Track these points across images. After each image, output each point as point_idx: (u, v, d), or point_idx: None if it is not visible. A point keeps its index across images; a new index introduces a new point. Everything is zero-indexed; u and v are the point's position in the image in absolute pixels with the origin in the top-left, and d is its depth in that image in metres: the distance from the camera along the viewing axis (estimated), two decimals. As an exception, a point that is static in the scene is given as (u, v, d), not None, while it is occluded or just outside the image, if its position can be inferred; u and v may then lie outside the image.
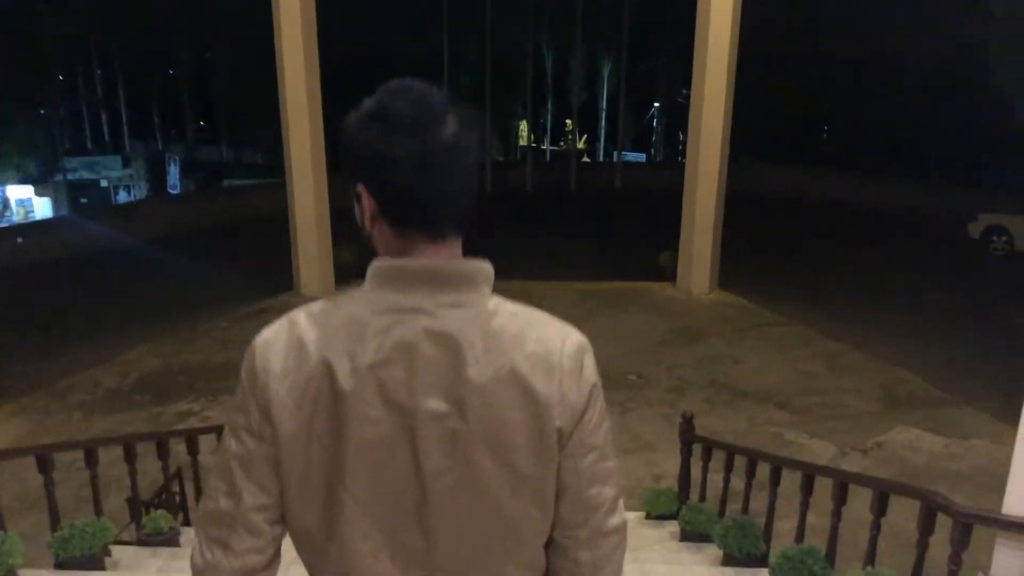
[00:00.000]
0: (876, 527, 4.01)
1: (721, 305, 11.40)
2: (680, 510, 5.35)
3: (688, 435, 5.75)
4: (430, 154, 1.07)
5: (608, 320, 10.68)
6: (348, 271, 11.84)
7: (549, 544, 1.22)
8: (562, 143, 47.05)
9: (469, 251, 1.20)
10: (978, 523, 3.36)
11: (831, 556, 4.10)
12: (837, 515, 4.07)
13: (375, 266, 1.12)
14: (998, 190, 18.62)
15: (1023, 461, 3.71)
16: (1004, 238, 15.88)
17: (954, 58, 22.63)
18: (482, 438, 1.08)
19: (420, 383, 1.07)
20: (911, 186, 24.29)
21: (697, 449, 5.69)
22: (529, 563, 1.21)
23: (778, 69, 25.68)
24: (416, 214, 1.11)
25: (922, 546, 3.69)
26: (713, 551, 4.85)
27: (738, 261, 12.70)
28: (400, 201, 1.10)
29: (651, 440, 7.42)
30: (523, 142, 44.81)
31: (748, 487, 4.99)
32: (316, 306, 1.13)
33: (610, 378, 8.74)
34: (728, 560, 4.69)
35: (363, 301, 1.10)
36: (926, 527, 3.62)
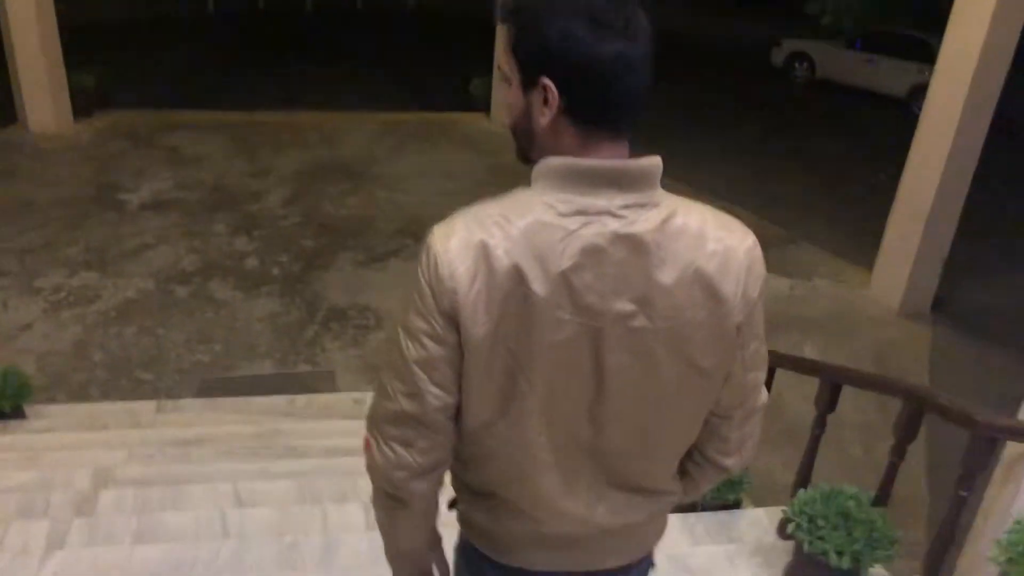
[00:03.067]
0: (821, 425, 3.13)
1: (542, 138, 10.22)
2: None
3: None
4: (633, 54, 1.05)
5: (417, 157, 9.20)
6: (87, 101, 9.29)
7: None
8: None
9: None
10: (1009, 437, 2.45)
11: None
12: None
13: (554, 164, 1.08)
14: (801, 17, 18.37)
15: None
16: (806, 64, 15.82)
17: None
18: (666, 336, 1.10)
19: (609, 286, 1.07)
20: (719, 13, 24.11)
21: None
22: (684, 447, 1.29)
23: None
24: (610, 113, 1.08)
25: (898, 455, 2.82)
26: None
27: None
28: (596, 99, 1.07)
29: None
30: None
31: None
32: (492, 208, 1.09)
33: (426, 225, 7.36)
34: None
35: (544, 203, 1.06)
36: (907, 432, 2.74)
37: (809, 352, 5.76)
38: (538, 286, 1.04)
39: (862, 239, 7.97)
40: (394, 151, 9.28)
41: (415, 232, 7.27)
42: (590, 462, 1.20)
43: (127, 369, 5.13)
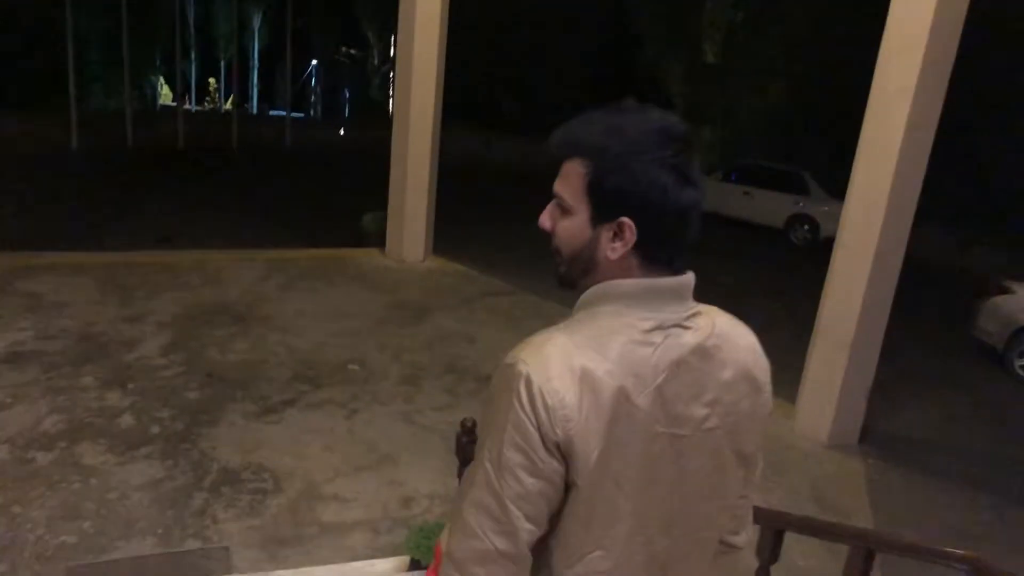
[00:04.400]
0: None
1: (439, 274, 9.97)
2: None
3: (471, 451, 4.19)
4: (699, 205, 1.18)
5: (309, 296, 8.71)
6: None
7: None
8: (208, 102, 42.70)
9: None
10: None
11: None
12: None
13: (628, 286, 1.18)
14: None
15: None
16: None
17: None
18: (726, 432, 1.21)
19: (691, 393, 1.16)
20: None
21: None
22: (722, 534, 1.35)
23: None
24: (676, 251, 1.20)
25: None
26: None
27: (439, 225, 11.28)
28: (669, 240, 1.19)
29: (390, 451, 5.77)
30: (164, 100, 39.84)
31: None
32: (576, 333, 1.15)
33: (324, 372, 6.89)
34: None
35: (626, 323, 1.15)
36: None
37: (741, 490, 5.53)
38: (641, 401, 1.10)
39: (777, 370, 8.02)
40: (284, 290, 8.76)
41: (311, 378, 6.72)
42: (659, 571, 1.22)
43: (-29, 561, 4.26)
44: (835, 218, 15.07)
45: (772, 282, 12.16)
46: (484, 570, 1.09)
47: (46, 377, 6.26)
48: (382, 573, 4.26)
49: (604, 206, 1.17)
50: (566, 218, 1.22)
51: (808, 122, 21.19)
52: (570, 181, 1.20)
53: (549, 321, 1.44)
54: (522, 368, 1.11)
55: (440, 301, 8.92)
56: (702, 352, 1.17)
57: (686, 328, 1.17)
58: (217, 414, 6.01)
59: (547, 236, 1.30)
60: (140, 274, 8.78)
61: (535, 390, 1.08)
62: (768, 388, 1.29)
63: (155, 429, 5.72)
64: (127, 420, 5.80)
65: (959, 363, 9.32)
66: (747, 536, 1.40)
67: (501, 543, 1.09)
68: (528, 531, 1.10)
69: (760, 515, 2.98)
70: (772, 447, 6.31)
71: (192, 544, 4.64)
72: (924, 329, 10.28)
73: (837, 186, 15.29)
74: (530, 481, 1.08)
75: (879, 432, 6.57)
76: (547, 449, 1.07)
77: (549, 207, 1.28)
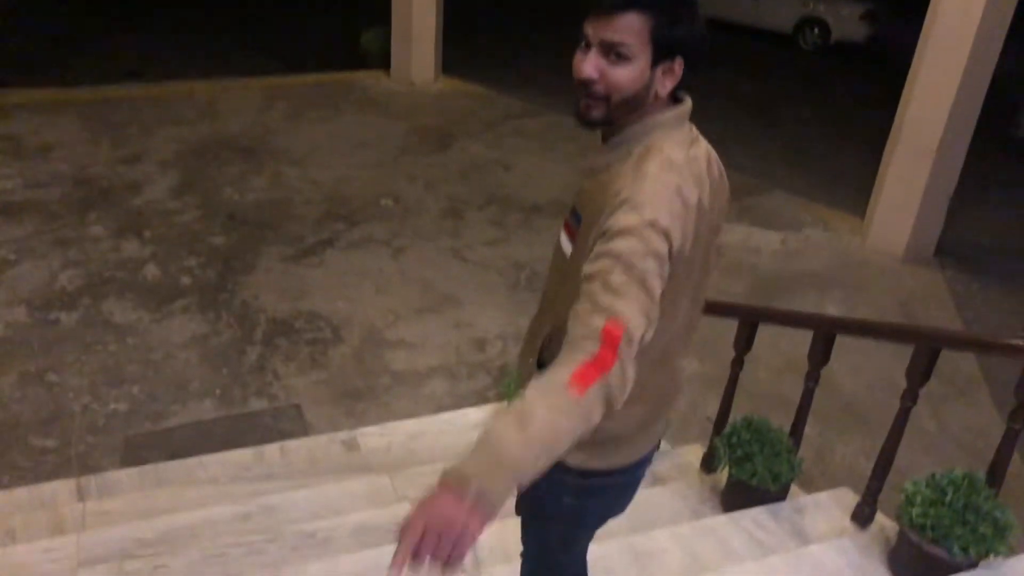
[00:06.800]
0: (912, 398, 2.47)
1: (455, 96, 9.08)
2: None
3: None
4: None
5: (320, 126, 7.88)
6: None
7: None
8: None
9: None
10: None
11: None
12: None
13: (671, 115, 1.40)
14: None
15: None
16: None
17: None
18: (719, 217, 1.47)
19: (716, 187, 1.44)
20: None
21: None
22: None
23: None
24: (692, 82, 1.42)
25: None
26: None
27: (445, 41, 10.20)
28: (694, 74, 1.38)
29: (448, 290, 5.28)
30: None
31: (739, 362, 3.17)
32: (670, 152, 1.36)
33: (356, 208, 6.25)
34: (735, 495, 2.88)
35: (678, 144, 1.38)
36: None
37: (833, 312, 5.15)
38: (705, 206, 1.37)
39: (832, 181, 7.52)
40: (291, 121, 7.92)
41: (345, 215, 6.10)
42: (688, 335, 1.57)
43: (17, 436, 3.78)
44: (848, 20, 14.24)
45: (793, 90, 11.41)
46: (630, 350, 1.21)
47: (49, 229, 5.58)
48: (477, 423, 3.86)
49: (665, 49, 1.33)
50: (623, 64, 1.32)
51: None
52: (634, 30, 1.30)
53: (584, 144, 1.54)
54: (670, 178, 1.32)
55: (462, 126, 8.13)
56: (709, 159, 1.43)
57: (698, 141, 1.43)
58: (250, 259, 5.42)
59: (582, 83, 1.36)
60: (126, 110, 7.84)
61: (681, 190, 1.32)
62: (726, 180, 1.51)
63: (185, 280, 5.14)
64: (152, 271, 5.20)
65: (1008, 163, 8.83)
66: None
67: (644, 325, 1.23)
68: (658, 291, 1.27)
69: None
70: (844, 264, 5.90)
71: (257, 404, 4.19)
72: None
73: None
74: (661, 265, 1.26)
75: (952, 244, 6.15)
76: (683, 234, 1.30)
77: (592, 57, 1.34)
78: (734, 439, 2.77)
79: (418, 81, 9.07)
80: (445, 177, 6.92)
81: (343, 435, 3.82)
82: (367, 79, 9.23)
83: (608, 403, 1.19)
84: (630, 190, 1.29)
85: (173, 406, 4.10)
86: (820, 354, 2.71)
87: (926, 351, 2.48)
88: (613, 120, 1.37)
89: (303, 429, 4.02)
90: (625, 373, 1.20)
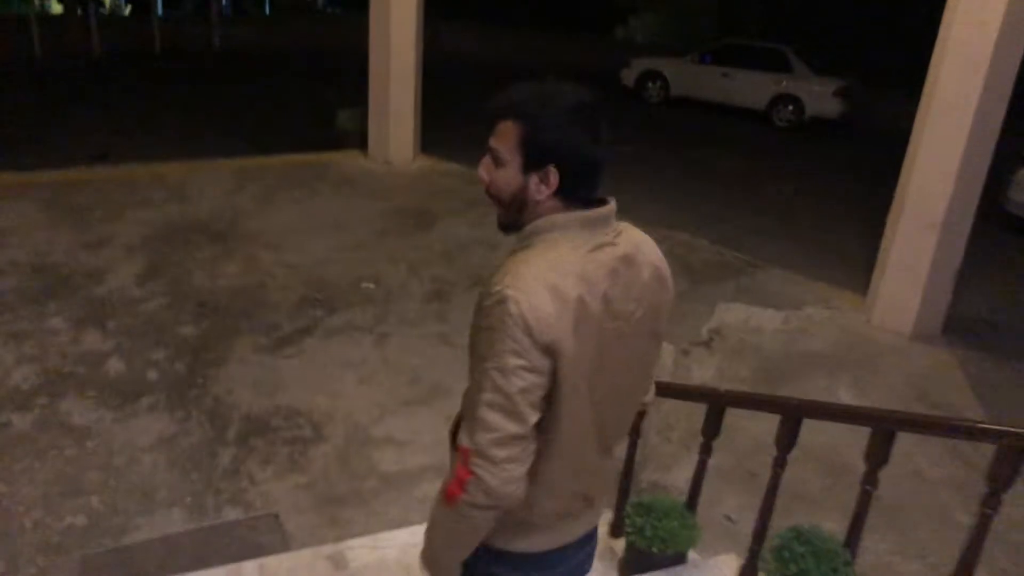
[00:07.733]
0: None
1: (435, 175, 8.90)
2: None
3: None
4: (608, 157, 1.47)
5: (294, 207, 7.62)
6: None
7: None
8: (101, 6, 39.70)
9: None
10: None
11: None
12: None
13: (563, 219, 1.45)
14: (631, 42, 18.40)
15: None
16: (659, 83, 15.53)
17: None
18: (648, 319, 1.53)
19: (624, 294, 1.47)
20: (558, 40, 23.98)
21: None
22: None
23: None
24: (588, 194, 1.48)
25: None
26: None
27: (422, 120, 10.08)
28: (584, 184, 1.47)
29: (437, 379, 4.94)
30: (54, 10, 36.66)
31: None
32: (539, 261, 1.40)
33: (335, 293, 5.92)
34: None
35: (572, 247, 1.43)
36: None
37: (846, 397, 4.89)
38: (594, 306, 1.40)
39: (825, 256, 7.38)
40: (264, 203, 7.64)
41: (323, 301, 5.77)
42: (600, 430, 1.55)
43: (-44, 561, 3.32)
44: (821, 97, 14.49)
45: (773, 166, 11.47)
46: (504, 451, 1.36)
47: (2, 321, 5.17)
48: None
49: (534, 157, 1.43)
50: (501, 169, 1.47)
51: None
52: (506, 137, 1.44)
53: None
54: (509, 293, 1.33)
55: (443, 205, 7.91)
56: (628, 261, 1.47)
57: (615, 244, 1.47)
58: (222, 350, 5.04)
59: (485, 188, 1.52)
60: (90, 193, 7.52)
61: (521, 311, 1.32)
62: (671, 282, 1.58)
63: (152, 374, 4.74)
64: (115, 366, 4.80)
65: (990, 238, 8.79)
66: (652, 394, 1.82)
67: (514, 428, 1.36)
68: (531, 415, 1.37)
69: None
70: (850, 343, 5.67)
71: (231, 513, 3.77)
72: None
73: (821, 62, 14.58)
74: (529, 376, 1.35)
75: (958, 320, 5.98)
76: (538, 350, 1.33)
77: (484, 161, 1.50)
78: (785, 554, 2.43)
79: (396, 160, 8.89)
80: (428, 258, 6.65)
81: (328, 549, 3.40)
82: (343, 159, 9.04)
83: (490, 503, 1.38)
84: (503, 281, 1.37)
85: (137, 518, 3.67)
86: (878, 455, 2.41)
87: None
88: (511, 222, 1.50)
89: (283, 541, 3.60)
90: (486, 482, 1.35)
